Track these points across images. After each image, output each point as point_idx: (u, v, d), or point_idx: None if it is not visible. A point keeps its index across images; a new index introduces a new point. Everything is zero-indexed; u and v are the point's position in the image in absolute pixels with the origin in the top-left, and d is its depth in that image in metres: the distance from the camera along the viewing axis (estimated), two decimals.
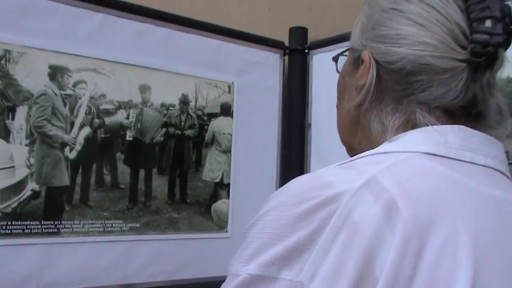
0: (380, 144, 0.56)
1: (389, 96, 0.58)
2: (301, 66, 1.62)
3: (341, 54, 0.71)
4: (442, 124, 0.55)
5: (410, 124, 0.56)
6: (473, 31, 0.54)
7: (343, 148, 1.45)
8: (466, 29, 0.54)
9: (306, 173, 1.57)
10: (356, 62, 0.62)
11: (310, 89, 1.61)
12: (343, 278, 0.44)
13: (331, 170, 0.52)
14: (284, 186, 0.52)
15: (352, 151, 0.64)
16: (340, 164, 0.53)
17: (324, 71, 1.59)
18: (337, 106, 0.69)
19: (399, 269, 0.43)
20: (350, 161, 0.53)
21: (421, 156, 0.52)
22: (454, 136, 0.53)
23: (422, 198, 0.47)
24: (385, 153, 0.53)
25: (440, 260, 0.44)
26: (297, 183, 0.51)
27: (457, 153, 0.52)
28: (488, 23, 0.52)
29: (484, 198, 0.51)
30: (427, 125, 0.54)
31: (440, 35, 0.54)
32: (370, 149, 0.55)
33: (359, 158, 0.53)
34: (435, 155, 0.52)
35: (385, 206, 0.46)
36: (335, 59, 0.73)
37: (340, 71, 0.70)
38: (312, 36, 1.63)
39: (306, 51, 1.62)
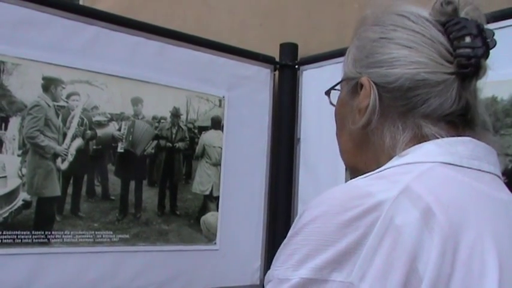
0: (391, 158, 0.63)
1: (392, 113, 0.65)
2: (291, 81, 1.67)
3: (333, 88, 0.79)
4: (447, 133, 0.63)
5: (418, 137, 0.64)
6: (456, 47, 0.63)
7: (331, 162, 1.56)
8: (449, 46, 0.64)
9: (294, 186, 1.65)
10: (354, 88, 0.70)
11: (300, 103, 1.66)
12: (392, 277, 0.50)
13: (365, 181, 0.58)
14: (320, 197, 0.58)
15: (356, 172, 0.69)
16: (369, 176, 0.59)
17: (314, 87, 1.64)
18: (337, 134, 0.76)
19: (441, 267, 0.50)
20: (378, 172, 0.60)
21: (441, 166, 0.59)
22: (463, 147, 0.61)
23: (452, 204, 0.54)
24: (408, 164, 0.60)
25: (472, 258, 0.52)
26: (336, 194, 0.57)
27: (468, 162, 0.60)
28: (467, 39, 0.62)
29: (495, 202, 0.59)
30: (436, 137, 0.62)
31: (428, 53, 0.63)
32: (377, 166, 0.63)
33: (386, 168, 0.61)
34: (451, 164, 0.60)
35: (422, 212, 0.53)
36: (327, 93, 0.80)
37: (335, 103, 0.78)
38: (302, 52, 1.69)
39: (296, 66, 1.67)
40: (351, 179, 0.64)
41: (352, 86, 0.71)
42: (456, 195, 0.56)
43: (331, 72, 1.58)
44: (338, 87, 0.77)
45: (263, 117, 1.64)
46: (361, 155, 0.70)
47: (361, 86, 0.68)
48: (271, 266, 0.58)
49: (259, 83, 1.64)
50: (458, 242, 0.52)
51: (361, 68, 0.69)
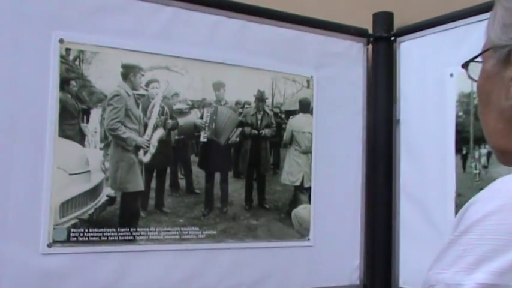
0: None
1: None
2: (387, 55, 1.60)
3: (474, 59, 0.70)
4: None
5: None
6: None
7: (437, 146, 1.44)
8: None
9: (394, 175, 1.56)
10: (507, 58, 0.63)
11: (398, 80, 1.58)
12: None
13: None
14: (490, 189, 0.53)
15: (509, 156, 0.65)
16: None
17: (414, 60, 1.55)
18: (481, 113, 0.70)
19: None
20: None
21: None
22: None
23: None
24: None
25: None
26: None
27: None
28: None
29: None
30: None
31: None
32: None
33: None
34: None
35: None
36: (465, 65, 0.71)
37: (478, 76, 0.70)
38: (398, 22, 1.61)
39: (393, 38, 1.59)
40: (503, 163, 0.59)
41: (503, 55, 0.63)
42: None
43: (433, 43, 1.49)
44: (479, 58, 0.69)
45: (357, 98, 1.58)
46: None
47: None
48: (431, 269, 0.54)
49: (351, 59, 1.57)
50: None
51: None
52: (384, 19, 1.59)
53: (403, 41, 1.57)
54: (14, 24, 1.12)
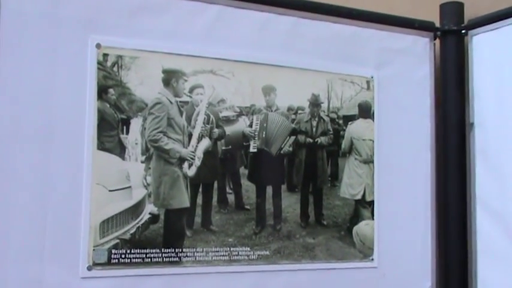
0: None
1: None
2: (457, 51, 1.56)
3: None
4: None
5: None
6: None
7: None
8: None
9: (469, 184, 1.51)
10: None
11: (471, 79, 1.53)
12: None
13: None
14: None
15: None
16: None
17: (488, 56, 1.50)
18: None
19: None
20: None
21: None
22: None
23: None
24: None
25: None
26: None
27: None
28: None
29: None
30: None
31: None
32: None
33: None
34: None
35: None
36: None
37: None
38: (469, 13, 1.56)
39: (463, 31, 1.55)
40: None
41: None
42: None
43: (510, 36, 1.45)
44: None
45: (423, 99, 1.53)
46: None
47: None
48: None
49: (416, 56, 1.53)
50: None
51: None
52: (452, 10, 1.55)
53: (475, 34, 1.53)
54: (48, 30, 1.12)
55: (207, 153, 1.26)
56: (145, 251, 1.17)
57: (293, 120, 1.37)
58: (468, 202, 1.51)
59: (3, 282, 1.05)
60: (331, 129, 1.41)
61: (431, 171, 1.52)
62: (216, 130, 1.28)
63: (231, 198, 1.28)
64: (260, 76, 1.32)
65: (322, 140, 1.40)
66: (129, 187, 1.18)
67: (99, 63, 1.15)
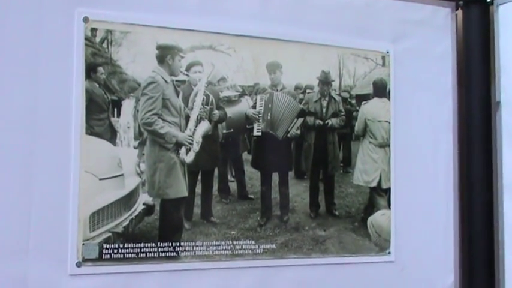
0: None
1: None
2: (482, 22, 1.52)
3: None
4: None
5: None
6: None
7: None
8: None
9: (495, 168, 1.49)
10: None
11: (497, 53, 1.50)
12: None
13: None
14: None
15: None
16: None
17: None
18: None
19: None
20: None
21: None
22: None
23: None
24: None
25: None
26: None
27: None
28: None
29: None
30: None
31: None
32: None
33: None
34: None
35: None
36: None
37: None
38: None
39: (489, 0, 1.52)
40: None
41: None
42: None
43: None
44: None
45: (445, 76, 1.50)
46: None
47: None
48: None
49: (436, 28, 1.50)
50: None
51: None
52: None
53: (502, 3, 1.49)
54: (30, 2, 1.08)
55: (207, 138, 1.25)
56: (139, 245, 1.16)
57: (301, 101, 1.37)
58: (494, 189, 1.49)
59: None
60: (342, 110, 1.40)
61: (454, 155, 1.50)
62: (216, 112, 1.27)
63: (233, 186, 1.29)
64: (264, 52, 1.32)
65: (333, 121, 1.39)
66: (121, 175, 1.16)
67: (86, 38, 1.14)
